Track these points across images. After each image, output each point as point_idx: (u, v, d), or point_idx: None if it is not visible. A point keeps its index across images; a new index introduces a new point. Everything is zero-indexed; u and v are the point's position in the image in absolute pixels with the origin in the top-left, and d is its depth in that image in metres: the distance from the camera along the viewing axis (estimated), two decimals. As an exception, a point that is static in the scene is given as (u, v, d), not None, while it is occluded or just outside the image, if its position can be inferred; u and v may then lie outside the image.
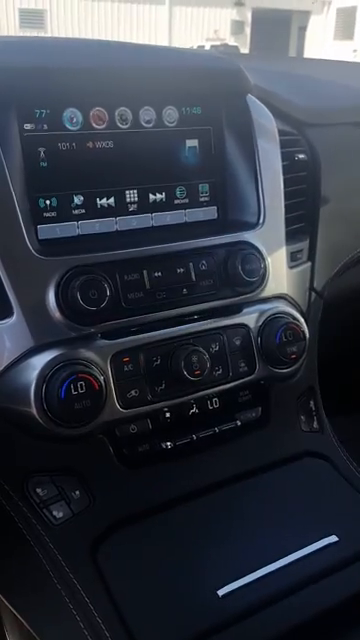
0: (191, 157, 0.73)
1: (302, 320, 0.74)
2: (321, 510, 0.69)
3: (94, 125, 0.66)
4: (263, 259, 0.71)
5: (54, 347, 0.60)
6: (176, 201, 0.73)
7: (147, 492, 0.66)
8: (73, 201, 0.66)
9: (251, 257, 0.70)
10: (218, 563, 0.61)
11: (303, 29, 20.17)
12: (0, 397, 0.61)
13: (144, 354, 0.65)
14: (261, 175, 0.75)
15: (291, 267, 0.79)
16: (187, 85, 0.71)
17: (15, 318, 0.60)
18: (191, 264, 0.68)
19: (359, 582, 0.61)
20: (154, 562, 0.61)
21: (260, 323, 0.71)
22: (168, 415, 0.68)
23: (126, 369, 0.64)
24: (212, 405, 0.71)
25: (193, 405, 0.70)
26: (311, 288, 0.85)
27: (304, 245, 0.84)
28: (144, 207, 0.71)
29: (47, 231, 0.65)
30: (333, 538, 0.64)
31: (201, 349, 0.66)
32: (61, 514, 0.63)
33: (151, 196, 0.71)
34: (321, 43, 18.70)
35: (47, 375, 0.59)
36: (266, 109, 0.78)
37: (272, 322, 0.71)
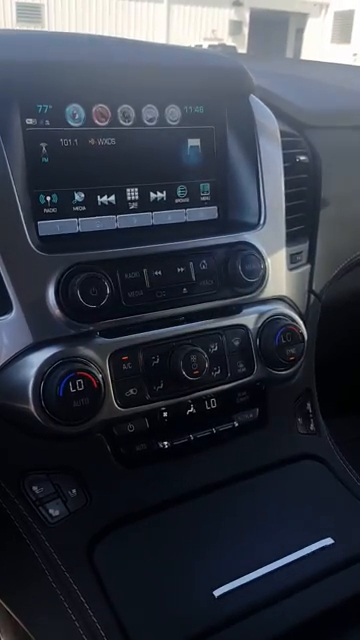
0: (193, 156, 0.73)
1: (301, 322, 0.74)
2: (317, 512, 0.69)
3: (96, 122, 0.66)
4: (263, 260, 0.71)
5: (53, 344, 0.60)
6: (177, 200, 0.73)
7: (144, 492, 0.66)
8: (74, 198, 0.66)
9: (251, 258, 0.70)
10: (214, 564, 0.61)
11: (301, 31, 20.21)
12: (-2, 394, 0.60)
13: (143, 353, 0.64)
14: (262, 176, 0.75)
15: (290, 269, 0.79)
16: (190, 84, 0.71)
17: (14, 314, 0.59)
18: (191, 264, 0.68)
19: (355, 585, 0.61)
20: (150, 562, 0.61)
21: (259, 324, 0.71)
22: (166, 415, 0.68)
23: (125, 368, 0.63)
24: (210, 405, 0.71)
25: (191, 405, 0.69)
26: (310, 290, 0.85)
27: (304, 247, 0.84)
28: (145, 205, 0.70)
29: (47, 227, 0.64)
30: (329, 540, 0.64)
31: (200, 349, 0.66)
32: (57, 512, 0.62)
33: (152, 195, 0.71)
34: (318, 45, 18.75)
35: (45, 372, 0.58)
36: (268, 110, 0.78)
37: (271, 323, 0.71)
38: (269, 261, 0.73)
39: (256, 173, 0.75)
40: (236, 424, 0.72)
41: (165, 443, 0.67)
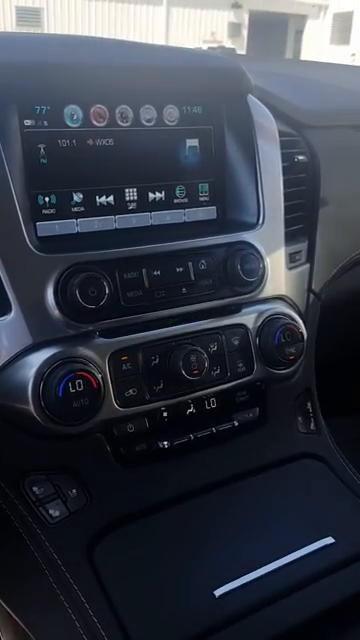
0: (191, 156, 0.73)
1: (300, 321, 0.74)
2: (317, 512, 0.69)
3: (94, 122, 0.66)
4: (262, 259, 0.71)
5: (52, 345, 0.60)
6: (175, 200, 0.73)
7: (144, 491, 0.66)
8: (72, 198, 0.66)
9: (250, 257, 0.70)
10: (215, 563, 0.61)
11: (300, 32, 20.24)
12: (-3, 394, 0.60)
13: (142, 353, 0.64)
14: (261, 176, 0.75)
15: (290, 268, 0.79)
16: (188, 84, 0.71)
17: (13, 315, 0.59)
18: (190, 263, 0.68)
19: (355, 584, 0.61)
20: (151, 561, 0.61)
21: (259, 323, 0.71)
22: (166, 414, 0.68)
23: (124, 368, 0.63)
24: (210, 405, 0.71)
25: (191, 405, 0.69)
26: (309, 289, 0.85)
27: (303, 246, 0.84)
28: (143, 206, 0.70)
29: (46, 228, 0.64)
30: (329, 540, 0.64)
31: (199, 349, 0.66)
32: (57, 513, 0.62)
33: (150, 195, 0.71)
34: (318, 47, 18.77)
35: (45, 373, 0.58)
36: (266, 110, 0.78)
37: (270, 323, 0.71)
38: (268, 260, 0.73)
39: (255, 173, 0.75)
40: (236, 423, 0.72)
41: (165, 443, 0.67)
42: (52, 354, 0.59)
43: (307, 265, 0.84)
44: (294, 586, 0.59)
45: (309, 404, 0.82)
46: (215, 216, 0.76)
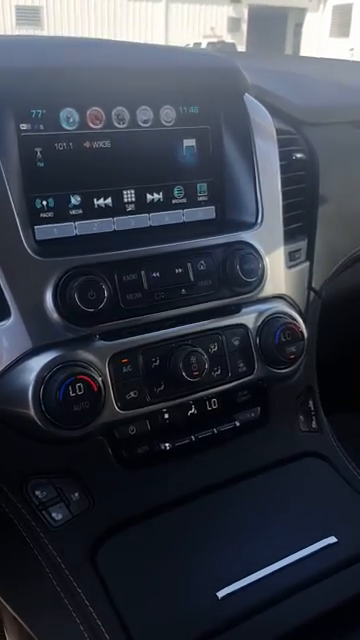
0: (189, 157, 0.73)
1: (300, 320, 0.74)
2: (320, 511, 0.69)
3: (91, 125, 0.66)
4: (261, 259, 0.71)
5: (52, 349, 0.60)
6: (174, 201, 0.73)
7: (146, 493, 0.66)
8: (70, 201, 0.66)
9: (249, 257, 0.70)
10: (217, 564, 0.61)
11: (299, 26, 20.15)
12: (-2, 399, 0.60)
13: (143, 355, 0.64)
14: (259, 174, 0.75)
15: (289, 267, 0.79)
16: (184, 85, 0.71)
17: (12, 320, 0.59)
18: (189, 264, 0.68)
19: (358, 584, 0.61)
20: (153, 564, 0.61)
21: (259, 323, 0.71)
22: (167, 416, 0.68)
23: (125, 370, 0.63)
24: (211, 406, 0.71)
25: (192, 406, 0.69)
26: (309, 288, 0.84)
27: (302, 245, 0.83)
28: (142, 207, 0.70)
29: (44, 232, 0.64)
30: (332, 539, 0.64)
31: (200, 350, 0.66)
32: (60, 516, 0.62)
33: (149, 196, 0.71)
34: (317, 40, 18.68)
35: (45, 377, 0.58)
36: (264, 108, 0.78)
37: (271, 322, 0.71)
38: (267, 260, 0.72)
39: (252, 172, 0.74)
40: (237, 424, 0.72)
41: (167, 444, 0.67)
42: (52, 358, 0.59)
43: (307, 263, 0.84)
44: (296, 587, 0.59)
45: (310, 402, 0.82)
46: (214, 216, 0.76)
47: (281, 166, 0.78)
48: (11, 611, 0.62)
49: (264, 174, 0.75)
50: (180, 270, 0.67)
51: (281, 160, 0.78)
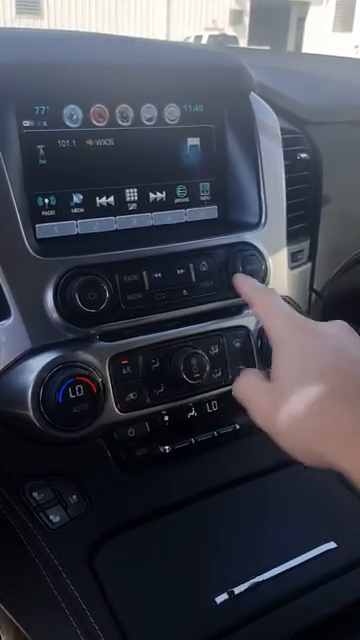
0: (192, 156, 0.72)
1: (302, 322, 0.73)
2: (319, 516, 0.68)
3: (94, 122, 0.65)
4: (264, 260, 0.70)
5: (52, 349, 0.59)
6: (176, 200, 0.72)
7: (145, 496, 0.65)
8: (72, 200, 0.65)
9: (252, 258, 0.69)
10: (216, 569, 0.60)
11: (302, 20, 20.07)
12: (-3, 400, 0.60)
13: (143, 356, 0.64)
14: (263, 174, 0.74)
15: (292, 268, 0.79)
16: (189, 83, 0.70)
17: (12, 319, 0.59)
18: (191, 265, 0.67)
19: (357, 589, 0.61)
20: (152, 568, 0.60)
21: (260, 325, 0.70)
22: (167, 418, 0.67)
23: (125, 372, 0.63)
24: (211, 408, 0.70)
25: (192, 408, 0.69)
26: (311, 289, 0.84)
27: (305, 245, 0.83)
28: (144, 206, 0.69)
29: (45, 230, 0.63)
30: (332, 544, 0.63)
31: (200, 351, 0.65)
32: (58, 518, 0.62)
33: (151, 195, 0.70)
34: (320, 34, 18.61)
35: (45, 378, 0.58)
36: (269, 107, 0.77)
37: None
38: (270, 261, 0.72)
39: (256, 172, 0.74)
40: (238, 426, 0.71)
41: (166, 447, 0.67)
42: (52, 359, 0.58)
43: (309, 264, 0.84)
44: (296, 592, 0.59)
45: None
46: (216, 216, 0.75)
47: (285, 166, 0.77)
48: (7, 614, 0.62)
49: (268, 174, 0.74)
50: (182, 271, 0.67)
51: (285, 160, 0.77)
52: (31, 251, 0.59)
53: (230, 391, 0.69)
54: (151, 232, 0.70)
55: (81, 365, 0.59)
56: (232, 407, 0.71)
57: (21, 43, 0.67)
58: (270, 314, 0.54)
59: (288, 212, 0.77)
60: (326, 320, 0.84)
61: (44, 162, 0.63)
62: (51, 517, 0.62)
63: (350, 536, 0.66)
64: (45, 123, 0.62)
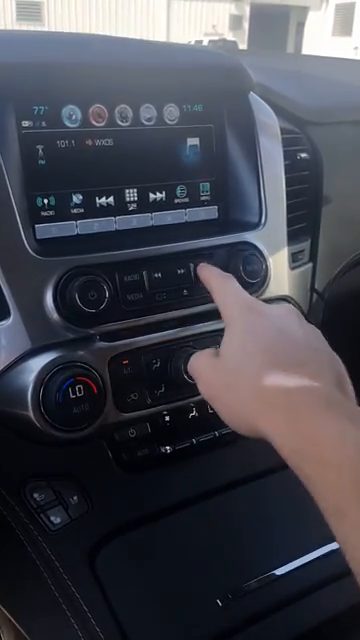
0: (192, 155, 0.72)
1: (303, 322, 0.73)
2: (322, 516, 0.68)
3: (93, 122, 0.65)
4: (265, 260, 0.70)
5: (52, 349, 0.59)
6: (176, 200, 0.72)
7: (146, 497, 0.65)
8: (72, 200, 0.65)
9: (253, 258, 0.69)
10: (218, 570, 0.60)
11: (302, 25, 20.13)
12: (-3, 400, 0.59)
13: (143, 356, 0.63)
14: (263, 174, 0.74)
15: (292, 268, 0.78)
16: (189, 83, 0.70)
17: (12, 319, 0.58)
18: (191, 265, 0.67)
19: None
20: (153, 569, 0.60)
21: None
22: (167, 419, 0.67)
23: (125, 372, 0.62)
24: (212, 409, 0.69)
25: (193, 409, 0.69)
26: (312, 289, 0.84)
27: (305, 245, 0.83)
28: (144, 206, 0.69)
29: (45, 230, 0.63)
30: (334, 545, 0.63)
31: None
32: (59, 519, 0.62)
33: (151, 195, 0.70)
34: (320, 39, 18.66)
35: (45, 378, 0.57)
36: (268, 107, 0.77)
37: None
38: (271, 261, 0.71)
39: (256, 172, 0.73)
40: (239, 427, 0.71)
41: (167, 448, 0.67)
42: (52, 359, 0.58)
43: (310, 264, 0.83)
44: (299, 593, 0.59)
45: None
46: (216, 216, 0.75)
47: (285, 166, 0.77)
48: (8, 615, 0.62)
49: (268, 174, 0.74)
50: (182, 271, 0.66)
51: (285, 160, 0.77)
52: (31, 251, 0.59)
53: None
54: (151, 232, 0.70)
55: (81, 365, 0.59)
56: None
57: (20, 43, 0.67)
58: (224, 295, 0.58)
59: (288, 212, 0.76)
60: (327, 320, 0.85)
61: (43, 162, 0.63)
62: (52, 518, 0.62)
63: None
64: (44, 123, 0.62)
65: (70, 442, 0.60)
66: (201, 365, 0.55)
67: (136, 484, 0.65)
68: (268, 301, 0.72)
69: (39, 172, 0.62)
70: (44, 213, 0.63)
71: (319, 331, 0.53)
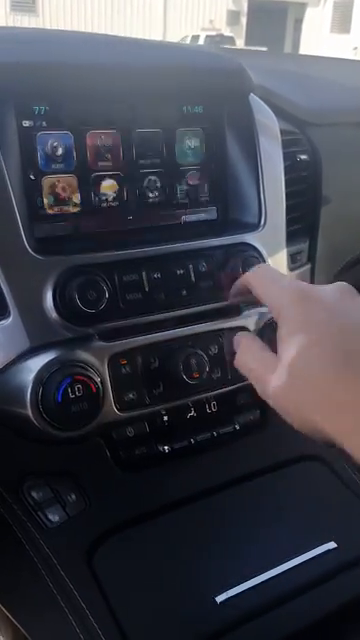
0: (192, 156, 0.72)
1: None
2: (319, 515, 0.68)
3: (93, 122, 0.65)
4: (264, 261, 0.70)
5: (51, 348, 0.59)
6: (176, 201, 0.72)
7: (144, 496, 0.66)
8: (71, 199, 0.65)
9: (251, 259, 0.69)
10: (216, 568, 0.61)
11: (299, 21, 20.09)
12: (-4, 399, 0.60)
13: (142, 356, 0.64)
14: (262, 175, 0.74)
15: (291, 269, 0.79)
16: (189, 84, 0.70)
17: (11, 318, 0.59)
18: (191, 265, 0.67)
19: (357, 587, 0.61)
20: (151, 567, 0.60)
21: (260, 326, 0.70)
22: (166, 418, 0.67)
23: (124, 371, 0.63)
24: (210, 408, 0.70)
25: (191, 408, 0.69)
26: (311, 290, 0.84)
27: (304, 246, 0.83)
28: (144, 206, 0.69)
29: (45, 229, 0.64)
30: (332, 544, 0.64)
31: (200, 351, 0.65)
32: (56, 517, 0.62)
33: (151, 195, 0.70)
34: (318, 36, 18.63)
35: (44, 377, 0.58)
36: (268, 109, 0.77)
37: (272, 325, 0.71)
38: (269, 262, 0.72)
39: (256, 173, 0.74)
40: (237, 426, 0.72)
41: (165, 447, 0.67)
42: (51, 358, 0.58)
43: (308, 265, 0.84)
44: (296, 591, 0.59)
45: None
46: (216, 216, 0.75)
47: (285, 167, 0.77)
48: (6, 612, 0.62)
49: (268, 175, 0.74)
50: (181, 271, 0.67)
51: (285, 161, 0.77)
52: (30, 250, 0.59)
53: (229, 391, 0.69)
54: (150, 232, 0.70)
55: (80, 364, 0.59)
56: (231, 407, 0.72)
57: (20, 43, 0.67)
58: (264, 285, 0.53)
59: (287, 213, 0.77)
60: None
61: (43, 162, 0.63)
62: (50, 516, 0.62)
63: (350, 536, 0.66)
64: (44, 123, 0.62)
65: (68, 440, 0.60)
66: (257, 365, 0.50)
67: (134, 483, 0.66)
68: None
69: (39, 171, 0.62)
70: (44, 212, 0.63)
71: None
